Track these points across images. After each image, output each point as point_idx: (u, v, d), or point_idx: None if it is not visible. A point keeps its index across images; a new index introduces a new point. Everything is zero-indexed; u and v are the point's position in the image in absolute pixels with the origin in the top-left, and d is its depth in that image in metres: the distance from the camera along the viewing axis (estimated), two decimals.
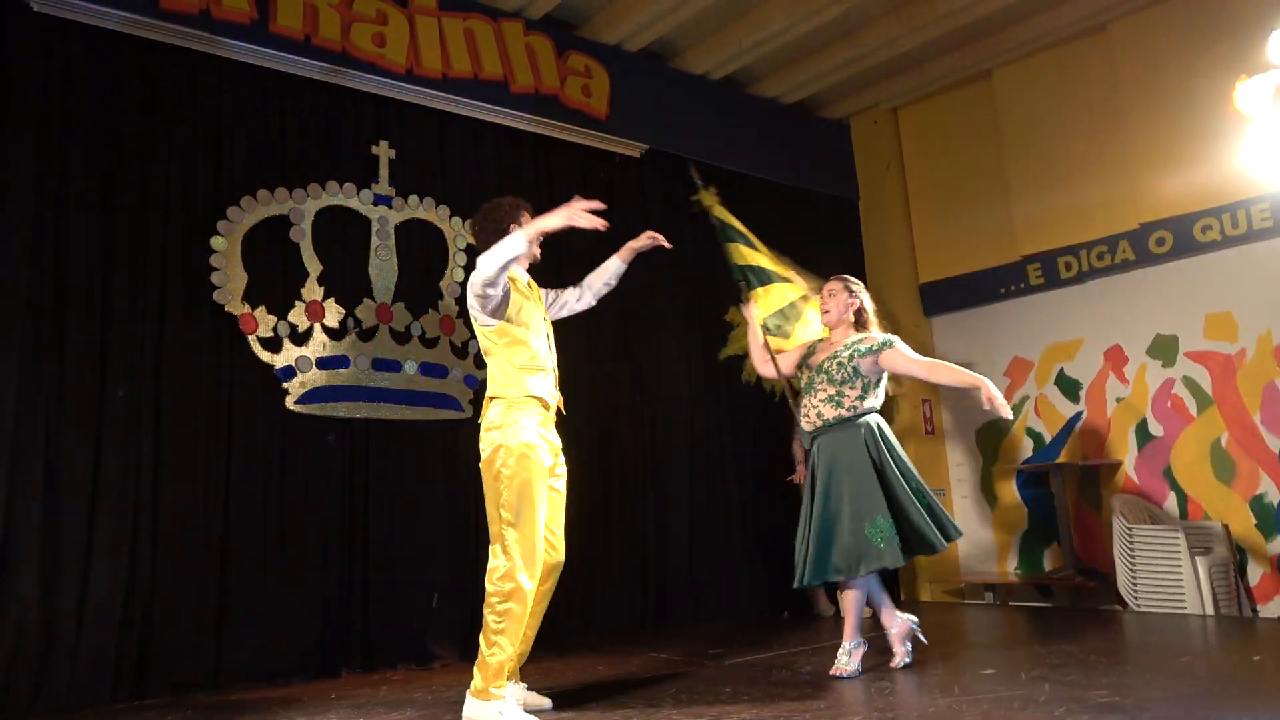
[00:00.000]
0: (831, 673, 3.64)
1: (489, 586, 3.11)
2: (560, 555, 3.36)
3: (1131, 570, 5.35)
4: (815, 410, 3.74)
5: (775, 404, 5.61)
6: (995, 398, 3.41)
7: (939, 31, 5.93)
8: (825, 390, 3.73)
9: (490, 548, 3.18)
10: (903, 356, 3.67)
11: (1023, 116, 6.32)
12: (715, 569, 5.69)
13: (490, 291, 3.17)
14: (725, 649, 4.42)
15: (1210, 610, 5.01)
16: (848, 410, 3.68)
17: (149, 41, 4.22)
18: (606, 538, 5.30)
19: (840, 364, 3.71)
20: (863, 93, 6.82)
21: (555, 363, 3.39)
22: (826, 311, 3.88)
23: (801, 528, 3.73)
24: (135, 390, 3.99)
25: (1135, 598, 5.32)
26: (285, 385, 4.35)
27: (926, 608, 5.99)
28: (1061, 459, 6.08)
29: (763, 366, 4.06)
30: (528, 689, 3.35)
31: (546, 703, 3.34)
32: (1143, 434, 5.77)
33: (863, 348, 3.71)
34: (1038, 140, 6.22)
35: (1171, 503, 5.59)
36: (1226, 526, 5.30)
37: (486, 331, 3.30)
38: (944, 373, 3.71)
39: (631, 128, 5.83)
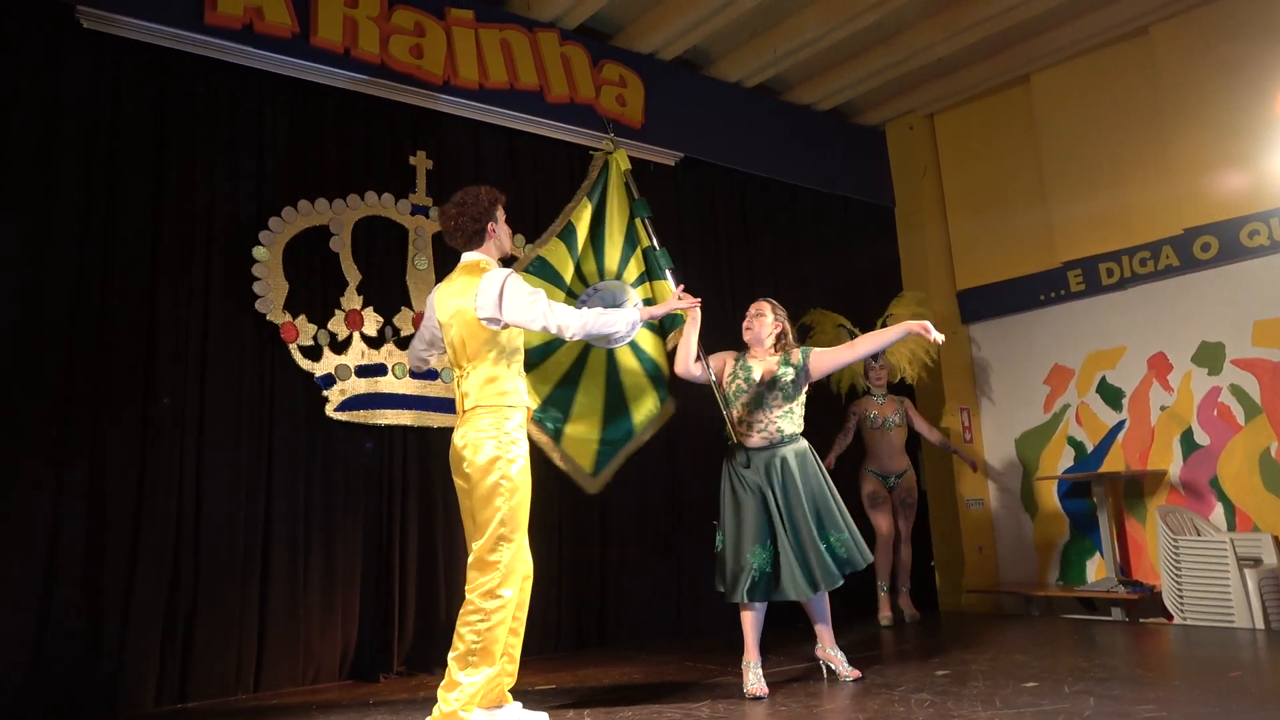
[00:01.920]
0: (848, 676, 3.78)
1: (478, 603, 2.99)
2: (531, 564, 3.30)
3: (1177, 582, 5.24)
4: (774, 425, 3.81)
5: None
6: (925, 327, 3.65)
7: (977, 37, 5.88)
8: (781, 406, 3.83)
9: (471, 561, 3.08)
10: (827, 354, 3.92)
11: (1062, 121, 6.24)
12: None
13: (546, 329, 3.14)
14: (761, 658, 4.38)
15: (1260, 624, 4.89)
16: (798, 427, 3.87)
17: (194, 56, 4.30)
18: (628, 543, 5.29)
19: (792, 381, 3.84)
20: (899, 99, 6.78)
21: None
22: (749, 329, 3.97)
23: (750, 537, 3.66)
24: (179, 398, 4.06)
25: (1182, 610, 5.21)
26: (325, 393, 4.40)
27: (965, 619, 5.91)
28: (1104, 468, 5.97)
29: (690, 365, 3.91)
30: (521, 706, 3.26)
31: (543, 717, 3.22)
32: (1188, 443, 5.65)
33: (799, 362, 3.86)
34: (1078, 145, 6.14)
35: (1219, 513, 5.47)
36: (1277, 538, 5.18)
37: (490, 333, 3.15)
38: (867, 343, 3.93)
39: (666, 136, 5.84)
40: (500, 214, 3.37)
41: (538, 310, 3.12)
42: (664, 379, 4.19)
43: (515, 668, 3.30)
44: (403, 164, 4.88)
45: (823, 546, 3.67)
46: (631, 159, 5.68)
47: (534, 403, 3.82)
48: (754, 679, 3.61)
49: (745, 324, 3.99)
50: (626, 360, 4.11)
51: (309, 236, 4.50)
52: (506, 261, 3.47)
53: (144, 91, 4.19)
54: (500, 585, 3.01)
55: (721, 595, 3.77)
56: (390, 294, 4.71)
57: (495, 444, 3.08)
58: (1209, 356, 5.60)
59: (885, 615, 5.62)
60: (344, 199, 4.63)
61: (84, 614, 3.73)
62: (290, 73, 4.55)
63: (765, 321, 3.94)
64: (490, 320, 3.14)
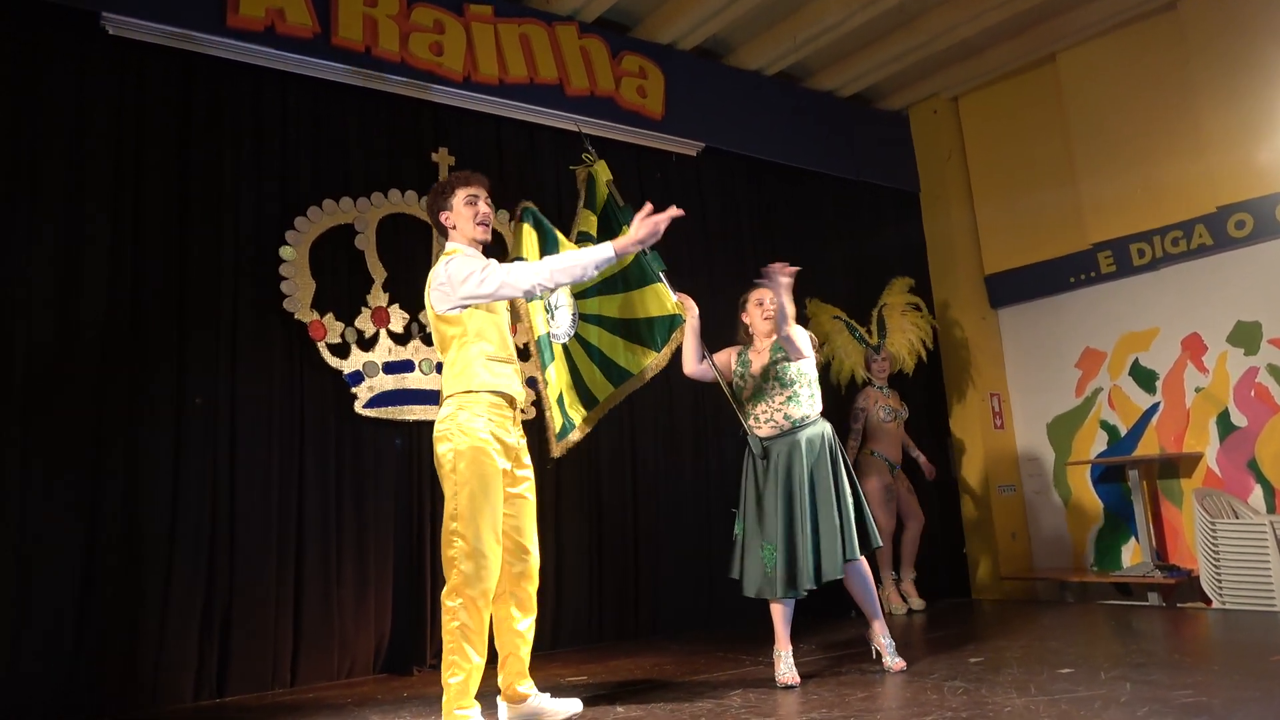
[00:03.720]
0: (893, 668, 3.70)
1: (444, 602, 2.92)
2: (534, 560, 3.15)
3: (1215, 566, 5.16)
4: (780, 413, 3.72)
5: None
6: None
7: (1001, 17, 5.80)
8: (781, 393, 3.73)
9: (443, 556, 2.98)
10: (797, 329, 3.76)
11: (1090, 100, 6.14)
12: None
13: (504, 293, 3.00)
14: (796, 646, 4.37)
15: None
16: (809, 409, 3.74)
17: (216, 59, 4.35)
18: (661, 535, 5.30)
19: (782, 363, 3.74)
20: (922, 82, 6.70)
21: (517, 359, 3.22)
22: (768, 318, 3.82)
23: (780, 529, 3.60)
24: (211, 397, 4.12)
25: (1220, 594, 5.13)
26: (354, 390, 4.44)
27: (998, 605, 5.86)
28: (1138, 452, 5.89)
29: (696, 365, 3.87)
30: (550, 695, 3.23)
31: (576, 704, 3.21)
32: (1225, 425, 5.56)
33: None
34: (1106, 124, 6.04)
35: (1257, 495, 5.37)
36: None
37: (448, 321, 3.05)
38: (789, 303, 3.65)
39: (687, 127, 5.82)
40: (455, 199, 3.17)
41: (490, 277, 2.97)
42: (588, 397, 4.04)
43: (522, 667, 3.18)
44: (425, 161, 4.90)
45: (838, 524, 3.59)
46: (652, 150, 5.72)
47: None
48: (785, 668, 3.61)
49: (762, 313, 3.86)
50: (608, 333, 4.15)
51: (334, 235, 4.54)
52: (492, 248, 3.33)
53: (168, 95, 4.24)
54: (460, 585, 2.89)
55: (737, 584, 3.74)
56: (415, 291, 4.67)
57: (448, 434, 2.97)
58: (1245, 336, 5.50)
59: (898, 604, 5.57)
60: (368, 197, 4.66)
61: (122, 611, 3.79)
62: (312, 73, 4.58)
63: (767, 309, 3.83)
64: (449, 309, 3.04)
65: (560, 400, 3.86)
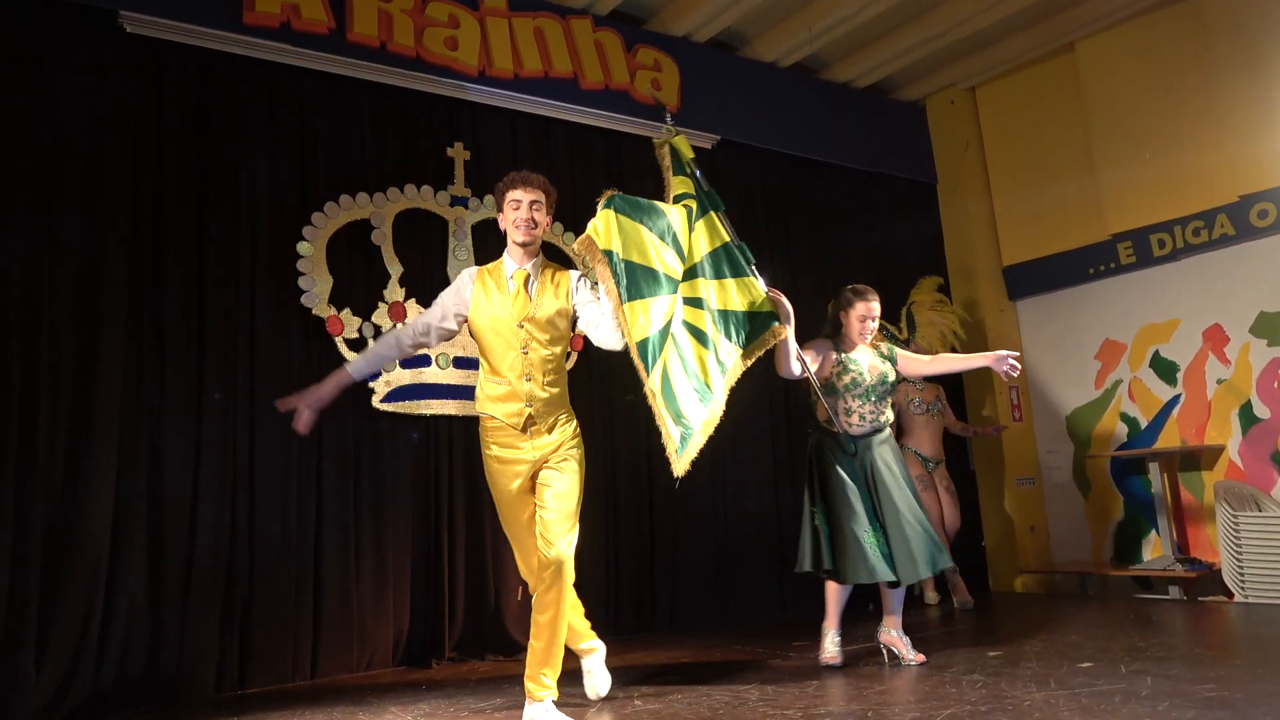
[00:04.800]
0: (913, 660, 3.72)
1: None
2: (554, 553, 3.04)
3: (1238, 560, 5.11)
4: (883, 416, 3.92)
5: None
6: (1010, 364, 3.77)
7: (1018, 6, 5.74)
8: (887, 399, 3.95)
9: None
10: (910, 360, 4.04)
11: (1109, 89, 6.07)
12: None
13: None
14: (810, 641, 4.37)
15: None
16: (890, 418, 3.97)
17: (233, 56, 4.37)
18: (674, 529, 5.30)
19: (893, 375, 3.95)
20: (938, 73, 6.65)
21: (536, 376, 3.11)
22: (870, 328, 3.94)
23: (864, 521, 3.70)
24: (230, 392, 4.15)
25: (1242, 588, 5.09)
26: (371, 385, 4.46)
27: (1017, 599, 5.83)
28: (1159, 444, 5.84)
29: (792, 365, 3.73)
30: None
31: None
32: (1247, 417, 5.50)
33: (891, 357, 3.99)
34: (1126, 113, 5.97)
35: None
36: None
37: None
38: (947, 364, 4.25)
39: (703, 119, 5.80)
40: (503, 200, 3.19)
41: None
42: (744, 325, 3.58)
43: (529, 660, 3.13)
44: (440, 156, 4.91)
45: (923, 533, 3.71)
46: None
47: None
48: (831, 646, 3.74)
49: (862, 322, 3.88)
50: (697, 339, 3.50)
51: (351, 230, 4.56)
52: (554, 253, 3.36)
53: (186, 92, 4.26)
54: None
55: (814, 574, 3.81)
56: (432, 285, 4.74)
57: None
58: (1269, 327, 5.43)
59: (932, 594, 5.64)
60: (384, 192, 4.67)
61: (145, 605, 3.83)
62: (328, 69, 4.59)
63: (866, 327, 3.95)
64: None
65: (674, 410, 3.23)
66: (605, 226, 3.14)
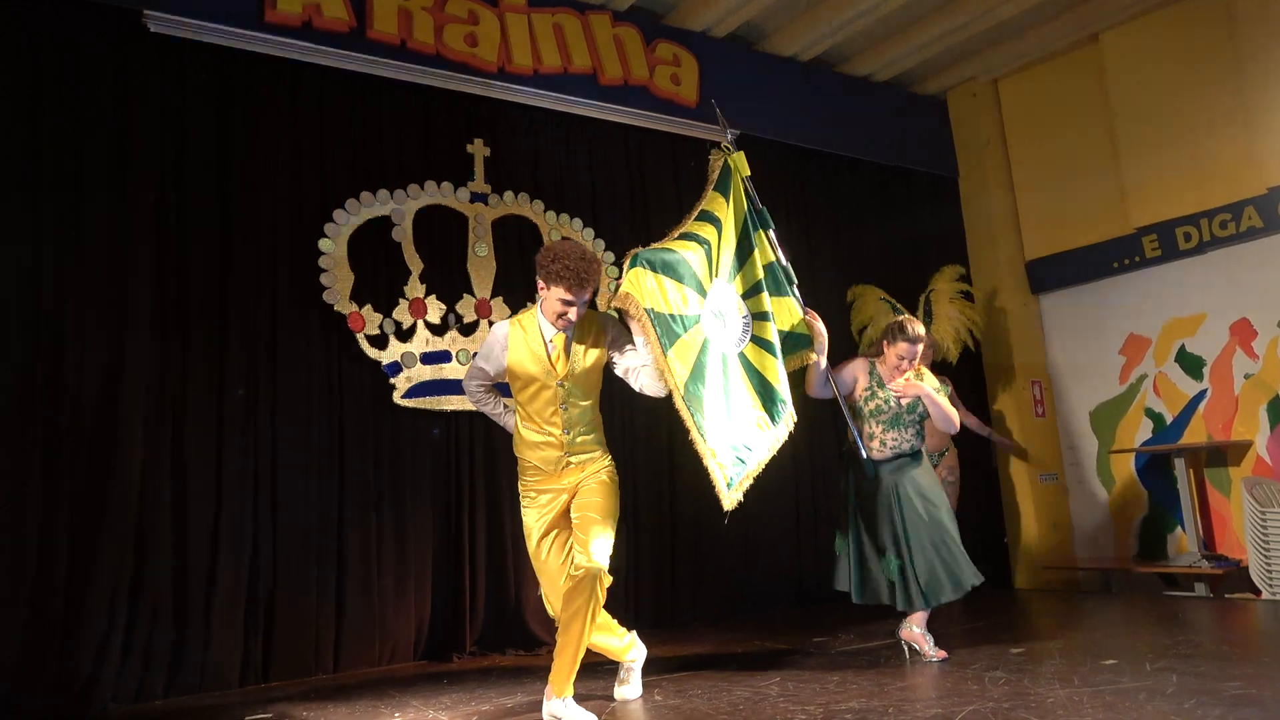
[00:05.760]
0: (934, 657, 3.71)
1: None
2: (589, 563, 3.08)
3: (1265, 556, 5.05)
4: (909, 443, 3.89)
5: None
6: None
7: None
8: (916, 424, 3.91)
9: None
10: (939, 397, 3.89)
11: (1133, 81, 6.00)
12: (820, 556, 5.62)
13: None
14: (831, 637, 4.36)
15: None
16: (923, 440, 3.96)
17: (255, 54, 4.40)
18: (695, 525, 5.29)
19: (915, 404, 3.87)
20: (960, 65, 6.59)
21: (575, 428, 3.18)
22: (914, 361, 3.89)
23: (876, 544, 3.82)
24: (252, 388, 4.19)
25: (1270, 585, 5.02)
26: (392, 381, 4.48)
27: (1040, 596, 5.79)
28: (1184, 440, 5.77)
29: (822, 387, 3.85)
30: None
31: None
32: (1275, 412, 5.43)
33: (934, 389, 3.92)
34: (1151, 105, 5.90)
35: None
36: None
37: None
38: (962, 416, 4.32)
39: (722, 114, 5.76)
40: (554, 290, 3.07)
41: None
42: (778, 398, 3.62)
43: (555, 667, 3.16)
44: (460, 152, 4.93)
45: (937, 562, 3.72)
46: (686, 139, 5.68)
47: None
48: (929, 647, 3.78)
49: (900, 360, 3.84)
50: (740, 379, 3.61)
51: (372, 227, 4.58)
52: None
53: (208, 91, 4.30)
54: None
55: (846, 595, 3.90)
56: (452, 281, 4.77)
57: None
58: None
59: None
60: (404, 189, 4.69)
61: (171, 597, 3.88)
62: (348, 66, 4.62)
63: (902, 368, 3.90)
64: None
65: (726, 444, 3.38)
66: (639, 283, 3.26)
